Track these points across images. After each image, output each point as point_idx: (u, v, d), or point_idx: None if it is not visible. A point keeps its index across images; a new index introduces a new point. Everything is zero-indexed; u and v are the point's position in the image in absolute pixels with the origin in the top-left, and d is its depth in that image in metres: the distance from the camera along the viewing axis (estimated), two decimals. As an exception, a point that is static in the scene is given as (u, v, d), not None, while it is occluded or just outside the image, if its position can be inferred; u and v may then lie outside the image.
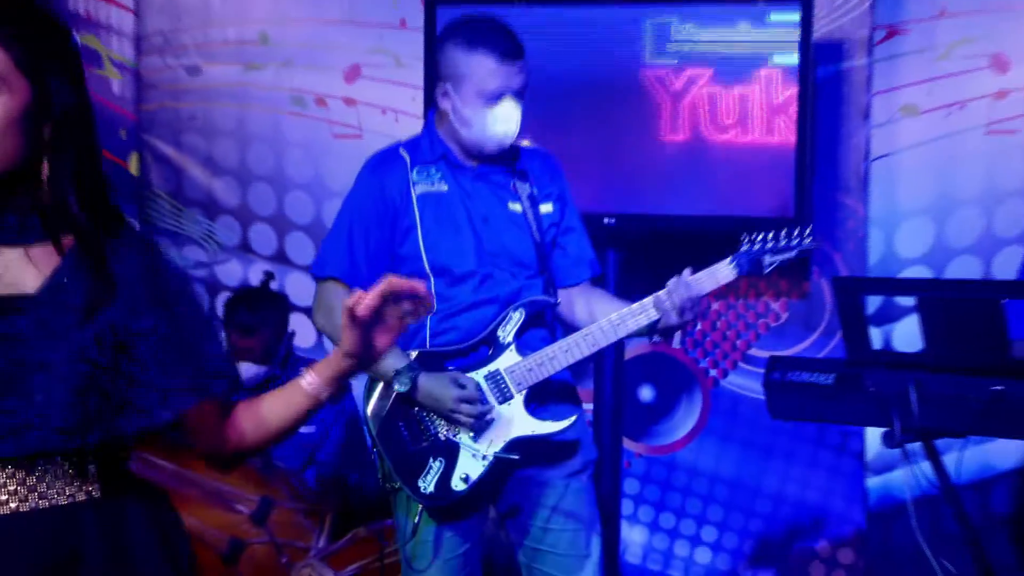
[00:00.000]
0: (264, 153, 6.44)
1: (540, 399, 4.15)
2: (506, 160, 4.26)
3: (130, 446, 2.59)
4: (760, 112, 5.55)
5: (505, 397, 4.10)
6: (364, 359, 2.60)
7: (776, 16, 5.52)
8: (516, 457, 4.11)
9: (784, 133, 5.54)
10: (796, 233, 4.07)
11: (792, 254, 4.06)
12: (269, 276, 6.13)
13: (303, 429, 5.37)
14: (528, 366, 4.09)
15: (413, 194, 4.22)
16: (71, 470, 2.48)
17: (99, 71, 6.57)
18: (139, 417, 2.52)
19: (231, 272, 6.42)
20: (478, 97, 4.08)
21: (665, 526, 5.99)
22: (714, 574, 5.97)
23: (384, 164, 4.28)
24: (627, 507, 5.93)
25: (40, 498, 2.48)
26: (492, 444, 4.08)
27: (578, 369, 4.41)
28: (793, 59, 5.50)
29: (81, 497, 2.50)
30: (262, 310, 5.80)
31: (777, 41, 5.54)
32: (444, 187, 4.22)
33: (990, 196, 5.80)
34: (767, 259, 4.03)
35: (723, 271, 4.02)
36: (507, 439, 4.07)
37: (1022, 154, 5.74)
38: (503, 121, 4.11)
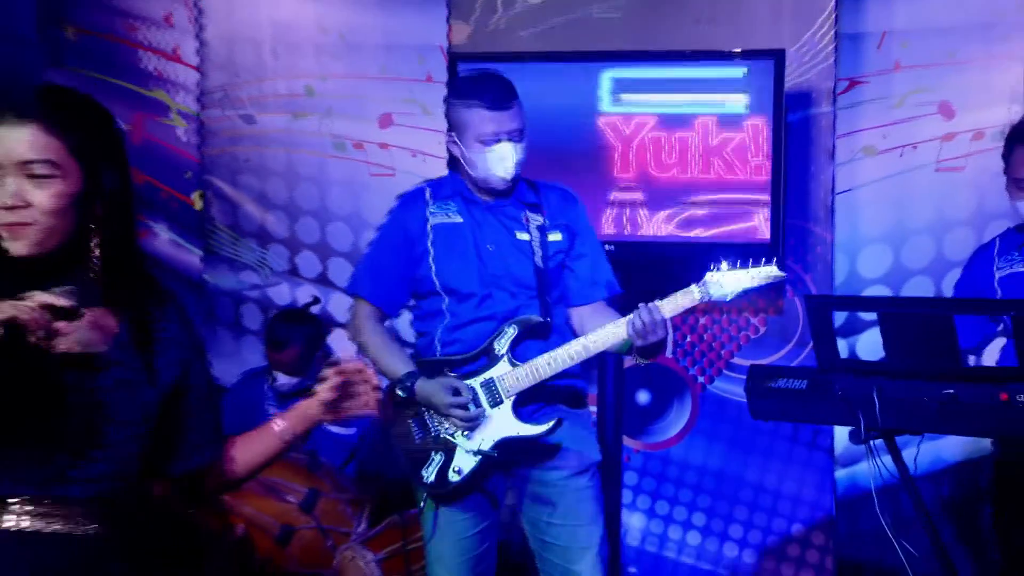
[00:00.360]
0: (310, 190, 6.49)
1: (529, 404, 4.17)
2: (521, 194, 4.29)
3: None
4: (698, 153, 5.54)
5: (496, 401, 4.12)
6: (337, 411, 2.78)
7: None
8: (495, 455, 4.13)
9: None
10: (755, 265, 4.04)
11: (755, 285, 4.05)
12: (314, 300, 6.22)
13: (344, 431, 5.52)
14: (517, 375, 4.11)
15: (428, 225, 4.29)
16: (108, 500, 2.53)
17: (167, 121, 6.63)
18: (183, 463, 2.68)
19: (281, 293, 6.46)
20: (477, 141, 4.14)
21: (660, 513, 5.96)
22: (703, 554, 5.91)
23: (408, 201, 4.34)
24: (627, 496, 5.91)
25: (73, 522, 2.50)
26: (483, 442, 4.12)
27: (586, 377, 4.41)
28: (727, 109, 5.49)
29: (116, 524, 2.55)
30: (293, 328, 5.86)
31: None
32: (458, 218, 4.27)
33: (940, 225, 5.84)
34: (729, 287, 4.02)
35: (685, 298, 4.02)
36: (496, 439, 4.11)
37: (967, 189, 5.75)
38: (501, 160, 4.15)
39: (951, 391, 3.95)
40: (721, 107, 5.56)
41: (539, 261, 4.23)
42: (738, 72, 5.53)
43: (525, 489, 4.27)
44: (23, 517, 2.44)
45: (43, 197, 2.41)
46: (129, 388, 2.52)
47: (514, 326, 4.15)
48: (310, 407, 2.79)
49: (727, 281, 4.02)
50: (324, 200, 6.47)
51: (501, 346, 4.16)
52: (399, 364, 4.21)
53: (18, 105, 2.44)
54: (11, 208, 2.40)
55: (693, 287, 4.02)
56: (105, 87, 6.25)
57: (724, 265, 4.03)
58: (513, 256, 4.24)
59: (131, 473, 2.54)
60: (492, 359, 4.15)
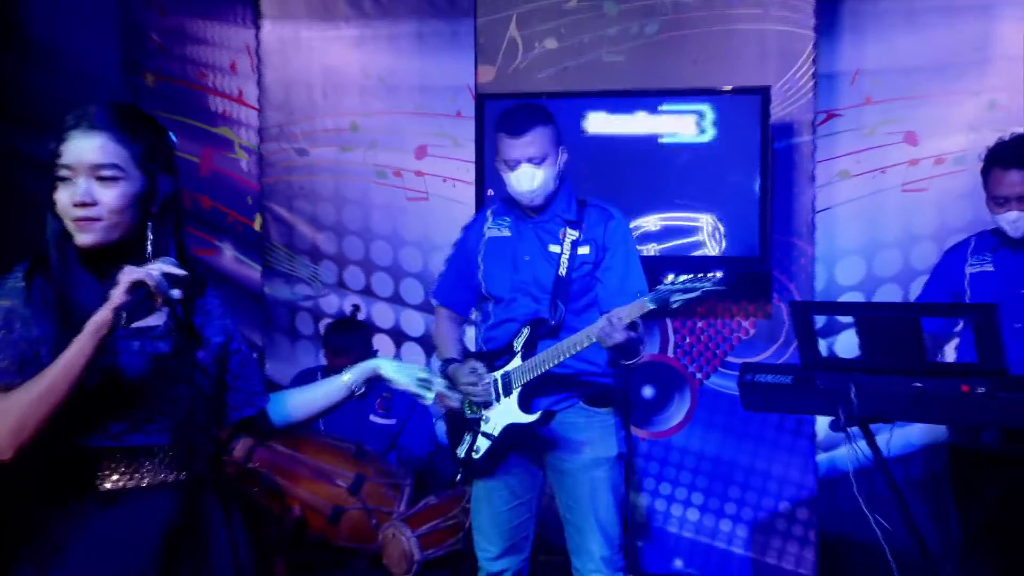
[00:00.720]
0: (355, 213, 6.53)
1: (548, 396, 4.22)
2: (563, 211, 4.31)
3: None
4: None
5: (507, 393, 4.20)
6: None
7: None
8: (502, 440, 4.20)
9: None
10: (705, 277, 3.90)
11: (695, 295, 3.89)
12: (356, 308, 6.27)
13: (385, 421, 5.61)
14: (523, 369, 4.17)
15: (483, 237, 4.42)
16: (182, 457, 2.62)
17: (232, 154, 6.69)
18: (234, 413, 2.80)
19: (330, 303, 6.52)
20: (504, 165, 4.24)
21: (663, 493, 5.92)
22: (701, 529, 5.87)
23: (471, 222, 4.51)
24: (633, 478, 5.83)
25: (157, 476, 2.60)
26: (495, 428, 4.21)
27: (619, 378, 4.39)
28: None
29: (194, 476, 2.66)
30: (351, 336, 5.89)
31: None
32: (507, 232, 4.36)
33: (906, 239, 5.86)
34: (674, 298, 3.88)
35: (638, 307, 3.94)
36: (503, 424, 4.19)
37: (930, 207, 5.78)
38: (521, 181, 4.20)
39: (919, 384, 4.00)
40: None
41: (562, 271, 4.23)
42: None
43: (551, 475, 4.32)
44: (118, 477, 2.55)
45: (109, 196, 2.49)
46: (184, 352, 2.63)
47: (528, 327, 4.22)
48: (370, 364, 3.02)
49: (675, 293, 3.91)
50: (367, 221, 6.51)
51: (518, 344, 4.22)
52: (447, 352, 4.41)
53: (91, 117, 2.51)
54: (82, 205, 2.48)
55: (644, 298, 3.96)
56: (179, 126, 6.27)
57: (670, 277, 3.98)
58: (541, 266, 4.27)
59: (197, 423, 2.65)
60: (511, 355, 4.23)
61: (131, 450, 2.54)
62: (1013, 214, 4.49)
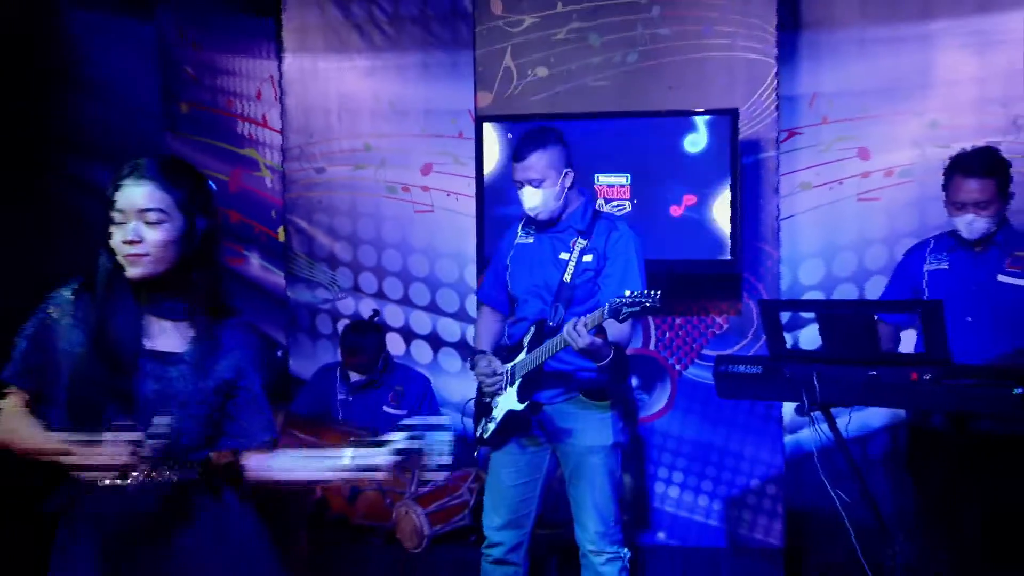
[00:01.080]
0: (368, 224, 6.55)
1: (549, 389, 4.27)
2: (576, 223, 4.32)
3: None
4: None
5: (512, 383, 4.25)
6: (403, 471, 2.83)
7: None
8: (502, 425, 4.26)
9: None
10: (646, 295, 3.88)
11: (637, 309, 3.87)
12: (376, 313, 6.26)
13: (397, 412, 5.61)
14: (523, 363, 4.23)
15: (514, 244, 4.47)
16: (179, 461, 2.66)
17: (257, 173, 6.71)
18: (229, 442, 2.76)
19: (347, 305, 6.55)
20: (514, 184, 4.31)
21: (646, 473, 5.89)
22: (681, 504, 5.84)
23: (507, 229, 4.55)
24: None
25: (159, 475, 2.64)
26: (499, 413, 4.28)
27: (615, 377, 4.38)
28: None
29: (190, 476, 2.68)
30: (363, 337, 5.90)
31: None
32: (531, 240, 4.41)
33: (861, 243, 5.87)
34: (624, 311, 3.87)
35: (597, 315, 3.93)
36: (504, 410, 4.26)
37: (881, 214, 5.78)
38: (525, 199, 4.27)
39: (873, 373, 4.07)
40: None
41: (567, 276, 4.26)
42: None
43: (560, 458, 4.35)
44: (113, 478, 2.62)
45: (154, 236, 2.59)
46: (191, 379, 2.67)
47: (535, 325, 4.27)
48: (379, 458, 2.74)
49: (624, 307, 3.89)
50: (379, 232, 6.53)
51: (526, 340, 4.28)
52: (479, 345, 4.50)
53: (140, 169, 2.61)
54: (131, 243, 2.58)
55: (600, 309, 3.95)
56: (210, 148, 6.26)
57: (627, 292, 3.96)
58: (550, 271, 4.31)
59: (183, 444, 2.66)
60: (520, 350, 4.29)
61: None
62: (969, 217, 4.47)
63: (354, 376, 5.88)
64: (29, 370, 2.68)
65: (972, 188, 4.46)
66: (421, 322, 6.57)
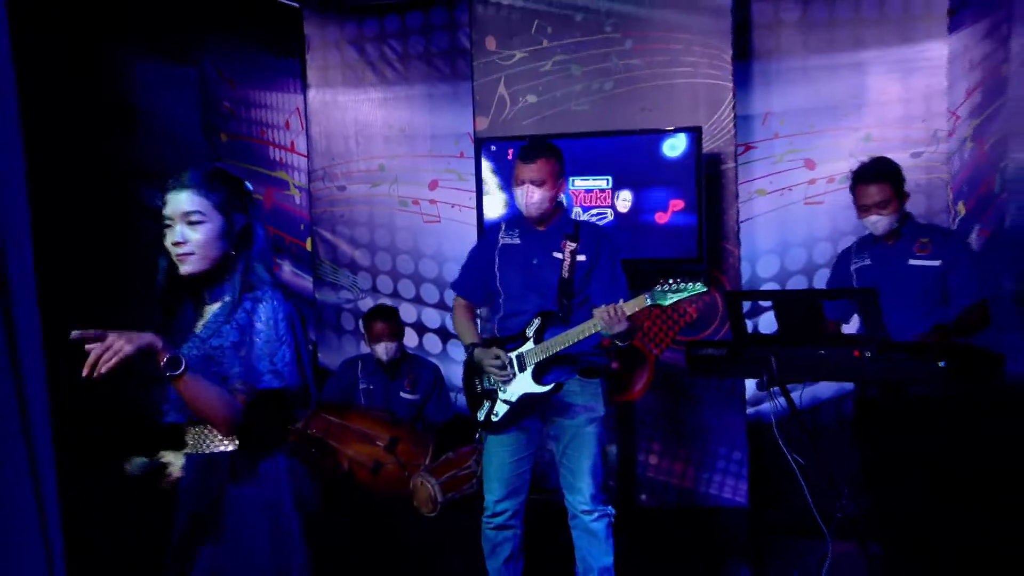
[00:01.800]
0: (384, 234, 6.60)
1: (553, 372, 4.19)
2: (563, 227, 4.27)
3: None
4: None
5: (523, 369, 4.17)
6: None
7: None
8: (518, 406, 4.18)
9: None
10: (689, 281, 3.93)
11: (687, 295, 3.93)
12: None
13: (412, 397, 5.55)
14: (536, 351, 4.15)
15: (498, 244, 4.34)
16: (207, 432, 2.69)
17: (288, 192, 6.66)
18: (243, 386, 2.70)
19: (367, 305, 6.46)
20: (516, 183, 4.23)
21: (629, 444, 5.87)
22: (660, 470, 5.86)
23: (486, 231, 4.46)
24: (607, 434, 5.73)
25: (203, 448, 2.71)
26: (513, 396, 4.19)
27: (604, 357, 4.36)
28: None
29: (218, 446, 2.71)
30: (385, 311, 5.71)
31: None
32: (518, 241, 4.31)
33: (809, 240, 5.97)
34: (669, 295, 3.91)
35: (640, 302, 3.94)
36: (519, 394, 4.18)
37: (825, 216, 5.88)
38: (523, 196, 4.20)
39: (822, 352, 4.09)
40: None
41: (565, 274, 4.21)
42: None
43: (552, 430, 4.28)
44: (184, 440, 2.73)
45: (197, 236, 2.64)
46: (232, 348, 2.68)
47: (539, 317, 4.19)
48: None
49: (669, 293, 3.95)
50: (394, 240, 6.58)
51: (530, 331, 4.19)
52: (469, 337, 4.35)
53: (181, 179, 2.66)
54: (178, 244, 2.63)
55: (644, 295, 3.96)
56: (246, 172, 6.14)
57: (669, 280, 3.95)
58: (547, 269, 4.24)
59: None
60: (524, 340, 4.20)
61: (175, 426, 2.71)
62: (873, 217, 4.54)
63: (385, 350, 5.63)
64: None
65: (872, 192, 4.54)
66: (431, 318, 6.60)
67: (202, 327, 2.71)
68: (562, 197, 4.36)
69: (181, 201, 2.65)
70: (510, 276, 4.31)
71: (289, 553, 2.71)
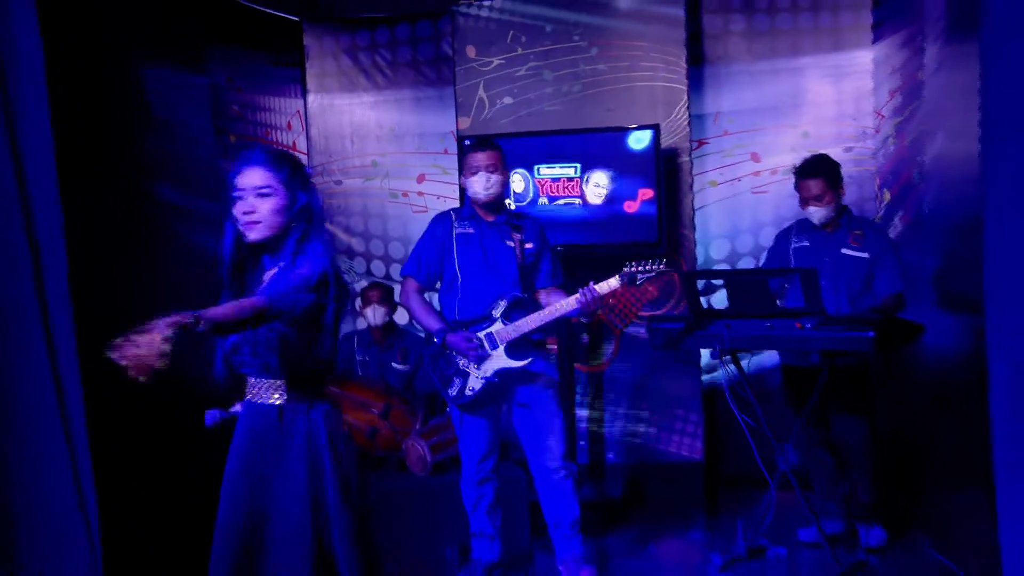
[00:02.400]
0: (377, 223, 6.54)
1: (515, 348, 4.17)
2: (510, 219, 4.27)
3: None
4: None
5: (494, 347, 4.15)
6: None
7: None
8: (497, 380, 4.14)
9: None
10: (654, 261, 4.01)
11: (652, 274, 4.02)
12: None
13: (403, 367, 5.49)
14: (507, 330, 4.15)
15: (454, 233, 4.29)
16: (272, 386, 2.74)
17: None
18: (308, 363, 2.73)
19: (361, 286, 6.12)
20: (469, 173, 4.23)
21: (598, 408, 5.93)
22: (625, 431, 5.87)
23: (439, 219, 4.35)
24: (578, 399, 5.86)
25: (260, 396, 2.76)
26: (486, 372, 4.16)
27: (550, 330, 4.39)
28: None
29: (278, 401, 2.75)
30: (378, 285, 5.71)
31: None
32: (471, 230, 4.27)
33: (755, 226, 5.98)
34: (639, 276, 4.00)
35: (612, 283, 4.01)
36: (494, 369, 4.16)
37: (769, 204, 5.90)
38: (480, 183, 4.19)
39: (768, 324, 4.20)
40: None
41: (520, 260, 4.23)
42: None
43: (515, 399, 4.26)
44: (248, 393, 2.78)
45: (265, 207, 2.67)
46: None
47: (505, 300, 4.18)
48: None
49: (638, 275, 4.01)
50: (385, 228, 6.53)
51: (497, 312, 4.18)
52: (435, 322, 4.24)
53: (252, 156, 2.71)
54: (248, 213, 2.67)
55: (615, 278, 4.01)
56: None
57: (635, 263, 4.01)
58: (503, 256, 4.25)
59: (274, 368, 2.71)
60: (491, 321, 4.18)
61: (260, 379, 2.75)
62: (812, 208, 4.62)
63: (373, 313, 5.60)
64: None
65: (811, 186, 4.60)
66: None
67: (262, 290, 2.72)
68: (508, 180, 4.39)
69: (253, 175, 2.69)
70: (469, 262, 4.27)
71: (326, 497, 2.74)
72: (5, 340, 3.63)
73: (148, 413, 4.13)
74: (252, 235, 2.70)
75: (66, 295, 3.75)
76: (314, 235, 2.74)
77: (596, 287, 4.02)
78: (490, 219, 4.29)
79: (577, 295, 4.04)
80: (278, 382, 2.74)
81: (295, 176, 2.76)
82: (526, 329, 4.16)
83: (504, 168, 4.27)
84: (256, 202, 2.68)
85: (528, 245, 4.27)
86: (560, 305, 4.12)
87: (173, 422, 4.30)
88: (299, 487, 2.70)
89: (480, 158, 4.21)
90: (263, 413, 2.76)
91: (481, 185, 4.23)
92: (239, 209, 2.70)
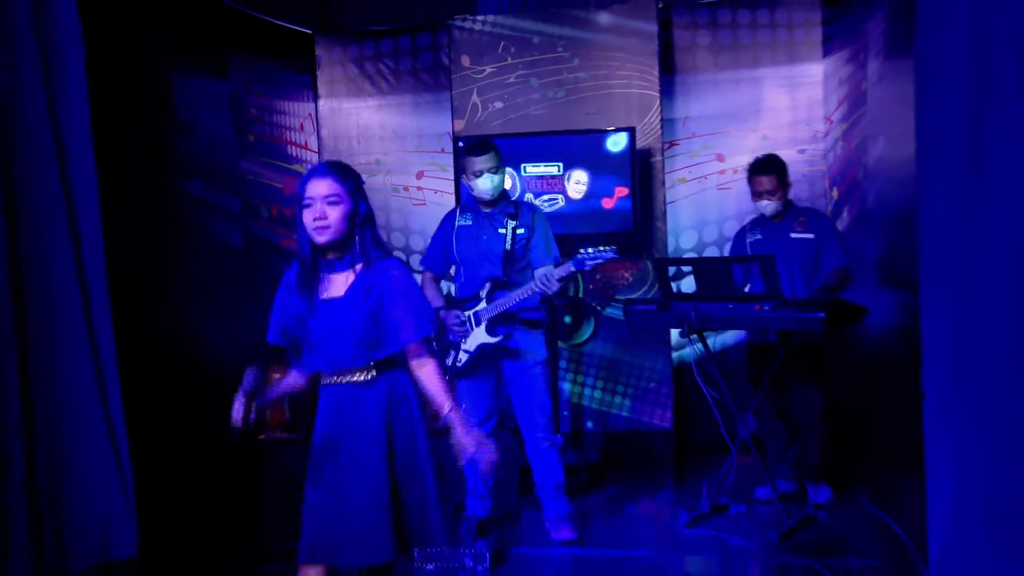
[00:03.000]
0: (380, 215, 6.37)
1: (494, 326, 4.18)
2: (506, 209, 4.26)
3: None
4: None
5: (478, 324, 4.18)
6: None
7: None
8: (477, 353, 4.16)
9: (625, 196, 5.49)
10: (604, 249, 3.94)
11: (600, 260, 3.94)
12: None
13: None
14: (487, 309, 4.17)
15: (455, 225, 4.33)
16: (358, 369, 2.73)
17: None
18: (385, 349, 2.75)
19: None
20: (472, 176, 4.21)
21: (579, 382, 5.93)
22: (603, 403, 5.87)
23: (446, 217, 4.40)
24: (561, 373, 5.79)
25: (344, 379, 2.74)
26: (471, 347, 4.20)
27: (543, 312, 4.37)
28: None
29: (364, 379, 2.75)
30: None
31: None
32: (470, 222, 4.30)
33: (720, 218, 6.02)
34: (588, 262, 3.95)
35: (565, 268, 3.98)
36: (476, 344, 4.19)
37: (733, 199, 5.90)
38: (484, 184, 4.19)
39: (732, 307, 4.21)
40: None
41: (508, 246, 4.22)
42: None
43: (507, 374, 4.28)
44: (334, 378, 2.76)
45: (334, 214, 2.67)
46: (351, 314, 2.72)
47: (490, 282, 4.21)
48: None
49: (587, 260, 3.96)
50: (388, 220, 6.49)
51: (483, 293, 4.21)
52: (436, 302, 4.27)
53: (322, 169, 2.70)
54: (318, 219, 2.66)
55: (568, 263, 3.99)
56: (269, 165, 6.17)
57: (588, 249, 3.97)
58: (494, 243, 4.24)
59: (354, 357, 2.73)
60: (478, 300, 4.22)
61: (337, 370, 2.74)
62: (764, 201, 4.69)
63: None
64: (279, 331, 2.79)
65: (763, 182, 4.67)
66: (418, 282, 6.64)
67: (345, 291, 2.74)
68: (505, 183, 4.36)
69: (322, 185, 2.69)
70: (465, 249, 4.31)
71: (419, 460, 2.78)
72: (51, 318, 3.67)
73: (178, 379, 4.17)
74: (322, 239, 2.70)
75: (103, 278, 3.80)
76: (372, 238, 2.78)
77: (554, 270, 4.03)
78: (487, 210, 4.29)
79: (540, 276, 4.05)
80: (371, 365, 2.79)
81: (358, 186, 2.77)
82: (501, 309, 4.17)
83: (502, 167, 4.27)
84: (326, 209, 2.68)
85: (520, 231, 4.25)
86: (525, 288, 4.13)
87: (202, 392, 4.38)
88: (381, 445, 2.73)
89: (480, 161, 4.20)
90: (349, 392, 2.78)
91: (482, 186, 4.24)
92: (309, 215, 2.70)
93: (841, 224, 5.37)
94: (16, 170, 3.52)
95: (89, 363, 3.81)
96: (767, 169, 4.68)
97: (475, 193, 4.27)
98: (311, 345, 2.74)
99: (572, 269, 4.00)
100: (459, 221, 4.34)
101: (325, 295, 2.75)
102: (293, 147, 6.52)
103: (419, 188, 6.55)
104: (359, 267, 2.75)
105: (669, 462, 5.74)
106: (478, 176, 4.20)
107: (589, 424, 5.98)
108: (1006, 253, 2.87)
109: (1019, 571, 2.92)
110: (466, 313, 4.23)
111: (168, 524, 4.18)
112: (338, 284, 2.77)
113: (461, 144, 5.58)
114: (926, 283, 3.10)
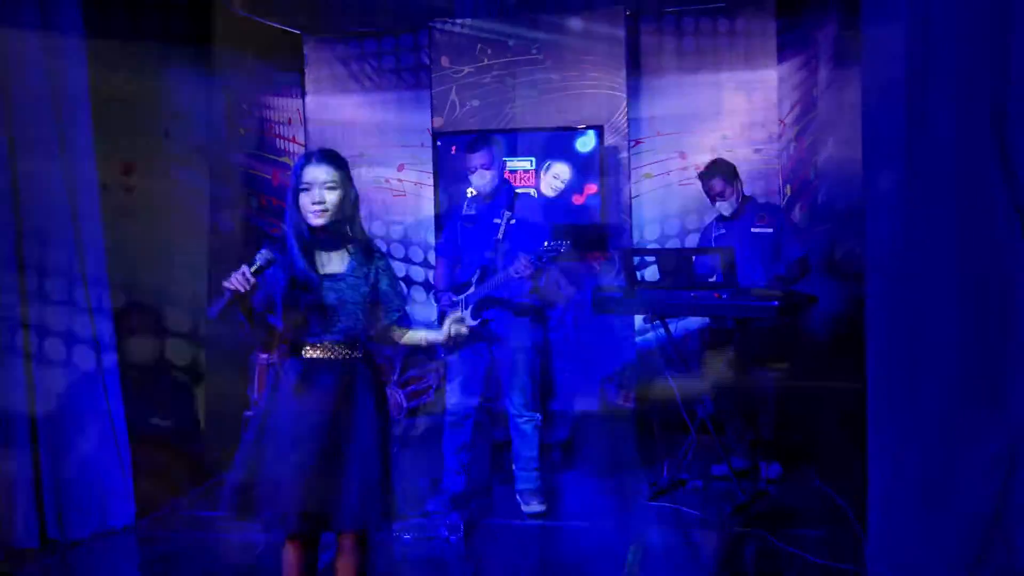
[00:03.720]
0: (362, 205, 6.27)
1: (478, 310, 4.22)
2: (506, 198, 4.27)
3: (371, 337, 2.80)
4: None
5: (466, 307, 4.22)
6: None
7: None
8: (466, 332, 4.19)
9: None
10: (558, 245, 3.89)
11: (555, 254, 3.89)
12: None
13: None
14: (475, 294, 4.21)
15: (462, 214, 4.38)
16: (350, 345, 2.74)
17: (290, 172, 6.49)
18: (380, 323, 2.81)
19: None
20: (467, 171, 4.27)
21: (558, 362, 5.68)
22: (576, 381, 5.75)
23: (455, 209, 4.44)
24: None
25: (336, 354, 2.73)
26: (462, 327, 4.35)
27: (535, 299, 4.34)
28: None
29: (356, 356, 2.76)
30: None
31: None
32: (474, 212, 4.34)
33: (681, 212, 6.02)
34: (543, 256, 3.91)
35: (525, 261, 3.93)
36: (465, 326, 4.30)
37: (693, 195, 5.64)
38: (478, 180, 4.23)
39: (692, 294, 4.23)
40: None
41: (499, 235, 4.22)
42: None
43: (497, 355, 4.30)
44: (316, 351, 2.75)
45: (330, 198, 2.69)
46: (356, 289, 2.77)
47: (480, 269, 4.23)
48: (445, 331, 2.86)
49: (544, 253, 3.92)
50: (371, 209, 6.43)
51: (473, 279, 4.24)
52: (440, 285, 4.39)
53: (319, 156, 2.73)
54: (316, 203, 2.67)
55: (530, 256, 3.94)
56: (258, 157, 6.13)
57: (546, 243, 3.94)
58: (489, 232, 4.25)
59: (359, 328, 2.75)
60: (470, 285, 4.25)
61: (320, 341, 2.73)
62: (720, 202, 4.74)
63: None
64: (263, 299, 2.75)
65: (714, 185, 4.72)
66: (397, 268, 6.39)
67: (344, 268, 2.76)
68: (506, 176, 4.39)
69: (320, 171, 2.70)
70: (467, 238, 4.35)
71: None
72: (56, 313, 3.72)
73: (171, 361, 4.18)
74: (319, 221, 2.71)
75: (103, 263, 3.82)
76: (360, 225, 2.82)
77: (522, 258, 3.99)
78: (488, 201, 4.31)
79: (508, 270, 4.06)
80: (357, 344, 2.80)
81: (349, 174, 2.81)
82: (482, 294, 4.20)
83: (499, 161, 4.27)
84: (324, 193, 2.70)
85: (512, 222, 4.25)
86: (500, 275, 4.13)
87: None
88: (372, 419, 2.76)
89: (475, 158, 4.23)
90: (333, 363, 2.77)
91: (476, 182, 4.27)
92: (306, 199, 2.71)
93: (793, 218, 5.42)
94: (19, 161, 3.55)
95: (91, 352, 3.84)
96: (714, 173, 4.73)
97: (473, 186, 4.31)
98: (315, 313, 2.73)
99: (531, 263, 3.98)
100: (466, 211, 4.37)
101: (323, 271, 2.76)
102: (282, 140, 6.49)
103: (400, 180, 6.53)
104: (350, 247, 2.78)
105: (632, 440, 5.75)
106: (472, 172, 4.23)
107: (559, 405, 5.87)
108: (945, 248, 2.94)
109: (944, 540, 3.00)
110: (461, 297, 4.26)
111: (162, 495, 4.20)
112: (335, 261, 2.79)
113: (439, 143, 5.65)
114: (870, 272, 3.15)
